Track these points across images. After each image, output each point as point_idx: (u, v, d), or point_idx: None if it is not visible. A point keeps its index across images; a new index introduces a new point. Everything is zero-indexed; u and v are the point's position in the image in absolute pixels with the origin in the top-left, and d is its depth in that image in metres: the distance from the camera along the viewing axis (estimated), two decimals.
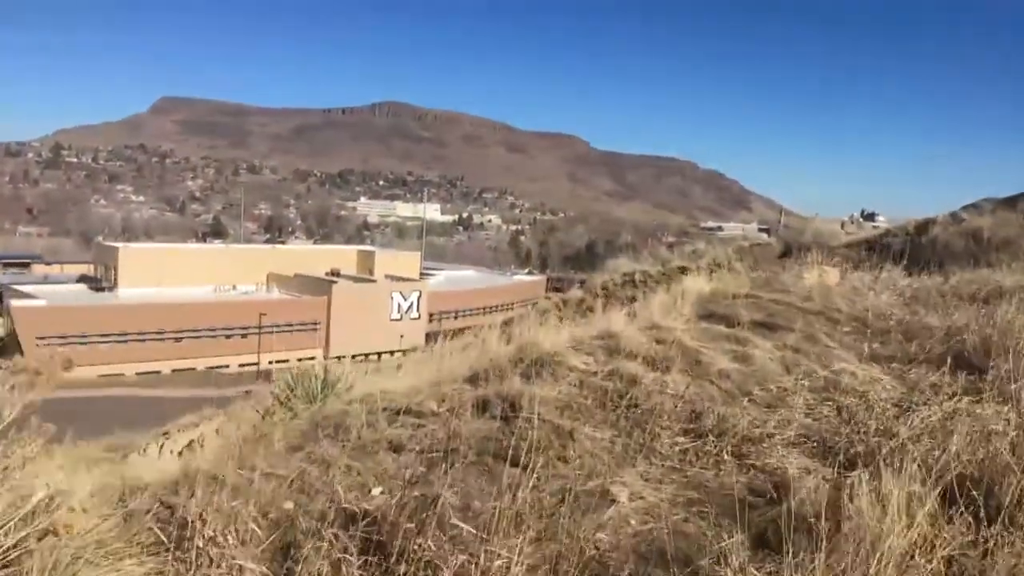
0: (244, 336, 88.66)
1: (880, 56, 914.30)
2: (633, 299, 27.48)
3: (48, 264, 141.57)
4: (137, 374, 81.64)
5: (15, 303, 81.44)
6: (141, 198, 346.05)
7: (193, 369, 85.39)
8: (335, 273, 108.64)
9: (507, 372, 4.34)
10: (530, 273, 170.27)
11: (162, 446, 32.58)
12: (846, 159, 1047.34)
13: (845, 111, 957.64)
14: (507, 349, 5.20)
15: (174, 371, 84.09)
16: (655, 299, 7.45)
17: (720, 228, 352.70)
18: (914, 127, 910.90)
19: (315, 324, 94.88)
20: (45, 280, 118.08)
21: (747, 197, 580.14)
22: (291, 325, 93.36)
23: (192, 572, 3.61)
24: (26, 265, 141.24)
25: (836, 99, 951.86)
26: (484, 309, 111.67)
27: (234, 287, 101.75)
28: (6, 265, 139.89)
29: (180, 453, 32.81)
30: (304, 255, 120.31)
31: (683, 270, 28.55)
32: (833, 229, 29.00)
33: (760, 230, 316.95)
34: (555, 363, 4.29)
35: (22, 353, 76.48)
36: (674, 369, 4.46)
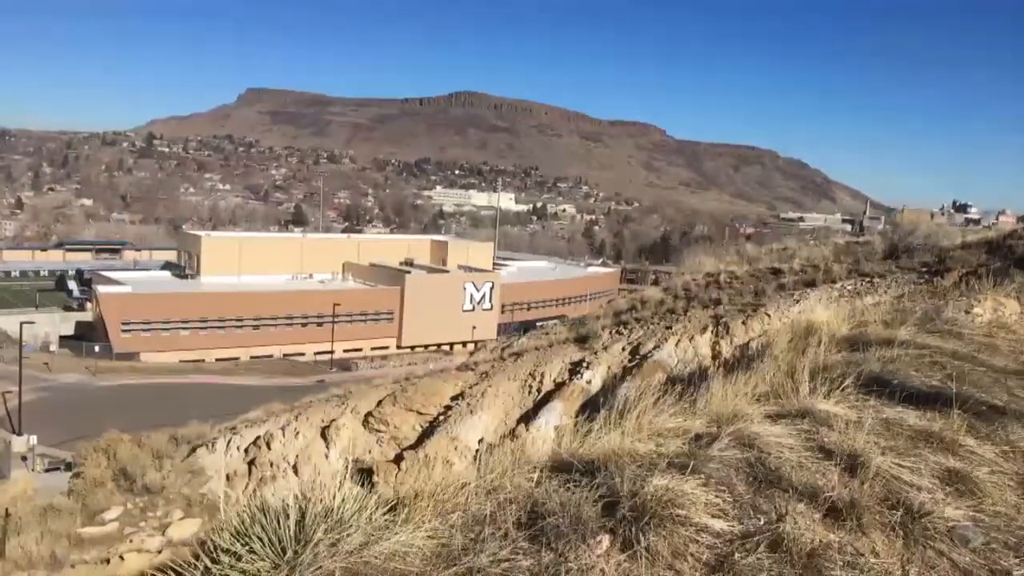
0: (320, 324, 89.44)
1: (972, 45, 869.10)
2: (718, 302, 25.37)
3: (138, 250, 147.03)
4: (217, 360, 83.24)
5: (101, 289, 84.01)
6: (227, 186, 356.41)
7: (270, 356, 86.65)
8: (409, 263, 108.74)
9: (587, 521, 2.74)
10: (604, 264, 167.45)
11: (229, 441, 31.96)
12: (934, 149, 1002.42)
13: (933, 100, 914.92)
14: (582, 452, 3.54)
15: (252, 358, 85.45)
16: (776, 338, 5.71)
17: (801, 219, 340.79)
18: (1006, 116, 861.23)
19: (389, 314, 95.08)
20: (135, 266, 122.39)
21: (830, 187, 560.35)
22: (365, 314, 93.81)
23: None
24: (117, 251, 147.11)
25: (924, 88, 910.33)
26: (557, 301, 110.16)
27: (311, 276, 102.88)
28: (99, 251, 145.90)
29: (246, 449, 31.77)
30: (379, 244, 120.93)
31: (775, 272, 26.27)
32: (946, 228, 26.24)
33: (844, 221, 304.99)
34: (668, 516, 2.67)
35: (108, 338, 78.77)
36: (871, 523, 2.81)
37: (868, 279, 23.55)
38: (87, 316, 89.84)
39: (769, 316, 23.51)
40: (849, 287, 23.62)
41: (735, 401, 4.04)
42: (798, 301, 23.74)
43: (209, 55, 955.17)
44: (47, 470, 37.92)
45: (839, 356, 5.26)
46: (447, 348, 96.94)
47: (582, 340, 26.27)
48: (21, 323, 48.01)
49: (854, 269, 24.41)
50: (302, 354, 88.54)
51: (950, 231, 25.81)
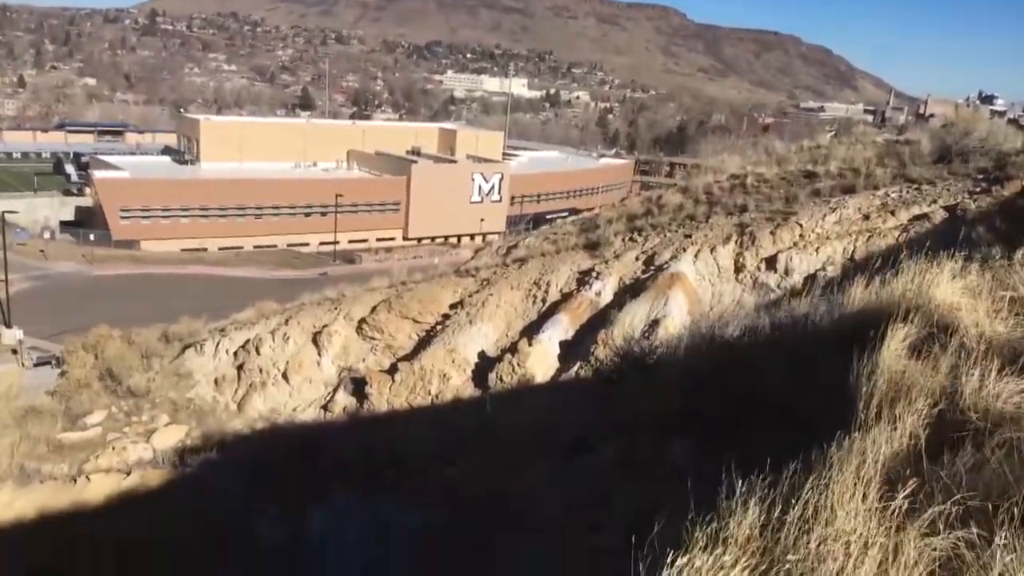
0: (324, 215, 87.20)
1: None
2: (744, 208, 23.01)
3: (140, 133, 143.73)
4: (219, 249, 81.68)
5: (98, 175, 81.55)
6: (232, 67, 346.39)
7: (274, 246, 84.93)
8: (415, 152, 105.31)
9: None
10: (617, 155, 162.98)
11: (218, 344, 30.60)
12: (960, 38, 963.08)
13: None
14: None
15: (255, 248, 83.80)
16: (886, 340, 3.57)
17: (822, 109, 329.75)
18: None
19: (395, 204, 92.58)
20: (137, 149, 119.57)
21: (853, 75, 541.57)
22: (371, 205, 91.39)
23: None
24: (119, 133, 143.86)
25: None
26: (568, 193, 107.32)
27: (314, 164, 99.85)
28: (100, 133, 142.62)
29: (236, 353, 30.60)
30: (385, 132, 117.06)
31: (809, 175, 23.77)
32: (1002, 127, 23.44)
33: (866, 111, 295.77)
34: None
35: (107, 225, 76.98)
36: None
37: (915, 186, 21.08)
38: (87, 201, 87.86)
39: (801, 226, 21.23)
40: (894, 194, 21.18)
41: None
42: (834, 209, 21.39)
43: None
44: (36, 364, 36.89)
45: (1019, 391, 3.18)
46: (455, 240, 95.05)
47: (592, 247, 24.14)
48: (3, 212, 45.98)
49: (899, 174, 21.87)
50: (306, 244, 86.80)
51: (1009, 132, 23.04)
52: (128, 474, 17.44)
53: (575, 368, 19.18)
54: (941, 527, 2.36)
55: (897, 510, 2.45)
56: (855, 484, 2.54)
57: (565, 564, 4.94)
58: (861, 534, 2.32)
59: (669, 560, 2.28)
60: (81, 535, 15.01)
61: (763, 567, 2.24)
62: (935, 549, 2.31)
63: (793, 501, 2.47)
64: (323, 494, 13.65)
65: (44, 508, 16.47)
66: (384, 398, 23.75)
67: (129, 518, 15.81)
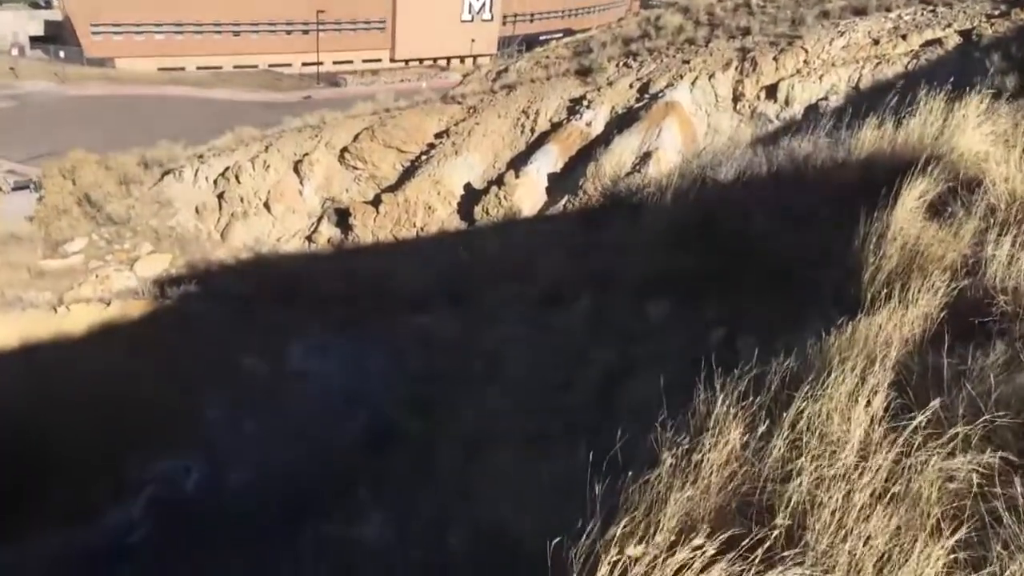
0: (306, 32, 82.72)
1: None
2: (747, 31, 21.67)
3: None
4: (198, 68, 78.06)
5: None
6: None
7: (255, 66, 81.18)
8: None
9: None
10: None
11: (197, 171, 29.77)
12: None
13: None
14: None
15: (236, 68, 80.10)
16: (900, 203, 2.96)
17: None
18: None
19: (380, 22, 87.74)
20: None
21: None
22: (355, 23, 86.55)
23: None
24: None
25: None
26: (564, 12, 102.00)
27: None
28: None
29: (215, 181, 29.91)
30: None
31: None
32: None
33: None
34: None
35: (78, 41, 73.01)
36: None
37: (931, 7, 19.71)
38: (56, 15, 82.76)
39: (806, 51, 20.04)
40: (907, 17, 19.85)
41: None
42: (843, 33, 20.11)
43: None
44: (14, 189, 36.06)
45: None
46: (444, 63, 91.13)
47: (584, 73, 22.85)
48: None
49: None
50: (288, 65, 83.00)
51: None
52: (109, 304, 17.29)
53: (563, 202, 18.67)
54: (964, 454, 1.94)
55: (911, 432, 2.04)
56: (857, 389, 2.10)
57: (531, 422, 4.74)
58: (862, 466, 1.91)
59: (626, 528, 1.86)
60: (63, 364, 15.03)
61: (741, 529, 1.85)
62: (953, 480, 1.90)
63: (784, 414, 2.05)
64: (304, 329, 13.56)
65: (26, 336, 16.41)
66: (368, 230, 23.35)
67: (111, 347, 15.80)
